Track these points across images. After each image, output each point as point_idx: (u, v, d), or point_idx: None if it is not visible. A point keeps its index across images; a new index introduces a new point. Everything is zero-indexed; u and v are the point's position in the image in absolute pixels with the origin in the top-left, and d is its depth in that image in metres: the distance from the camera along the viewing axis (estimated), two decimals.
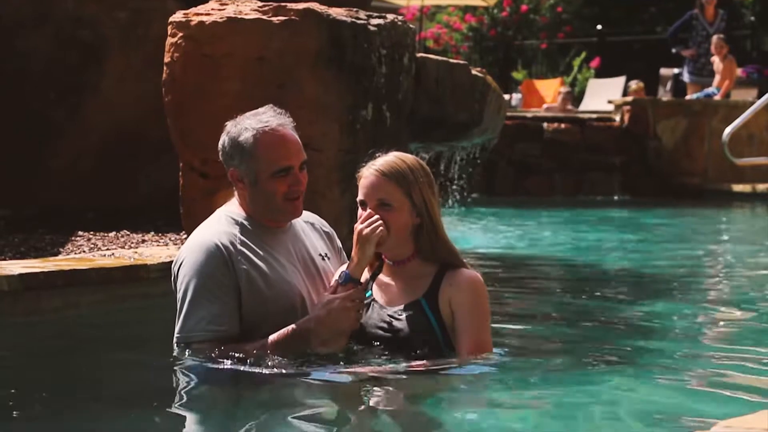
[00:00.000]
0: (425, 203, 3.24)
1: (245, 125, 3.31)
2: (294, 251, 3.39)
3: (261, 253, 3.31)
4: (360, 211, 3.26)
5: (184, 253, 3.33)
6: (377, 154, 3.29)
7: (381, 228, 3.18)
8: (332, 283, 3.29)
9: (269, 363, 3.20)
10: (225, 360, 3.20)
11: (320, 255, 3.46)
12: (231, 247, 3.27)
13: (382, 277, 3.32)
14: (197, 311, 3.23)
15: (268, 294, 3.28)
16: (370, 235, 3.17)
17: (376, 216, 3.20)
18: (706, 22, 14.65)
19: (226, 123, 3.38)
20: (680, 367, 3.54)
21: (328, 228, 3.59)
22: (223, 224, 3.35)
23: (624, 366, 3.54)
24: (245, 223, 3.35)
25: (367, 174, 3.26)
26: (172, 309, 4.42)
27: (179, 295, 3.29)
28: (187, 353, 3.29)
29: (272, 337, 3.22)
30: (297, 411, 2.98)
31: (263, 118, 3.32)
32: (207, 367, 3.25)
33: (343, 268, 3.28)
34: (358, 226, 3.21)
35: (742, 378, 3.41)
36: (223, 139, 3.36)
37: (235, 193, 3.43)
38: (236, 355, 3.21)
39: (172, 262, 4.49)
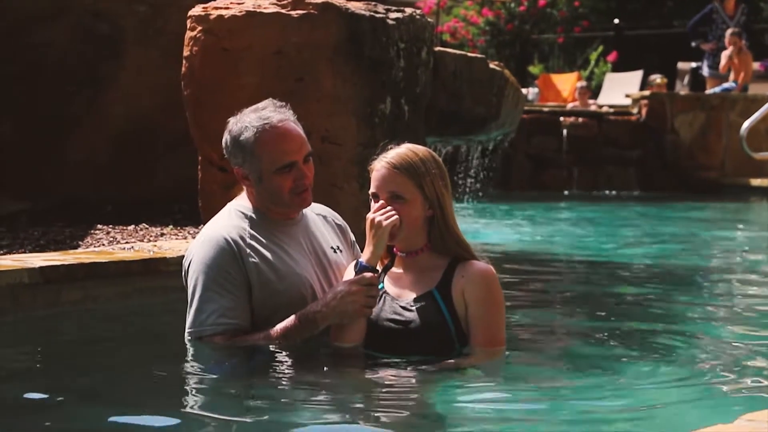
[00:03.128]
0: (437, 195, 3.22)
1: (245, 123, 3.28)
2: (305, 244, 3.39)
3: (271, 246, 3.31)
4: (372, 203, 3.26)
5: (194, 249, 3.34)
6: (389, 147, 3.27)
7: (395, 217, 3.17)
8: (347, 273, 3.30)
9: (280, 353, 3.22)
10: (236, 352, 3.21)
11: (332, 248, 3.45)
12: (240, 241, 3.27)
13: (394, 270, 3.31)
14: (208, 305, 3.24)
15: (279, 287, 3.29)
16: (383, 224, 3.16)
17: (389, 207, 3.19)
18: (726, 15, 14.59)
19: (229, 119, 3.35)
20: (700, 361, 3.53)
21: (340, 221, 3.58)
22: (233, 218, 3.35)
23: (640, 359, 3.53)
24: (254, 216, 3.35)
25: (379, 167, 3.24)
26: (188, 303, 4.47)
27: (189, 290, 3.30)
28: (198, 347, 3.30)
29: (281, 324, 3.23)
30: (308, 404, 2.98)
31: (263, 114, 3.28)
32: (219, 360, 3.26)
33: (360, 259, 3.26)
34: (370, 216, 3.20)
35: (764, 372, 3.39)
36: (226, 138, 3.34)
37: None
38: (247, 345, 3.22)
39: None
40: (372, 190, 3.25)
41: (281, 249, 3.33)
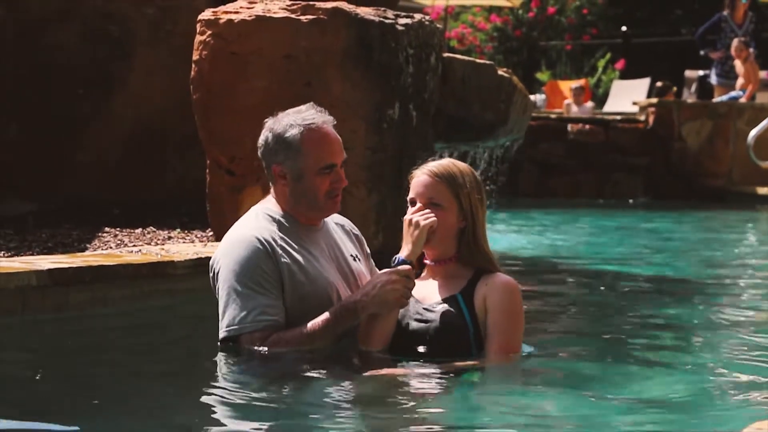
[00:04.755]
0: (472, 208, 3.33)
1: (290, 122, 3.34)
2: (328, 250, 3.44)
3: (301, 249, 3.35)
4: (409, 208, 3.36)
5: (224, 250, 3.35)
6: (430, 159, 3.40)
7: (433, 218, 3.27)
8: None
9: (300, 359, 3.24)
10: (277, 349, 3.23)
11: (351, 256, 3.51)
12: (272, 242, 3.30)
13: (421, 278, 3.40)
14: (246, 302, 3.26)
15: (309, 289, 3.32)
16: (421, 223, 3.27)
17: (428, 210, 3.30)
18: (735, 24, 14.57)
19: (266, 120, 3.41)
20: (708, 369, 3.53)
21: (357, 231, 3.63)
22: (260, 221, 3.38)
23: (645, 368, 3.53)
24: (282, 220, 3.38)
25: (419, 174, 3.36)
26: (198, 305, 4.46)
27: (224, 290, 3.30)
28: (227, 349, 3.33)
29: (320, 317, 3.26)
30: (340, 405, 3.02)
31: (307, 116, 3.35)
32: (234, 363, 3.29)
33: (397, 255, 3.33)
34: (408, 217, 3.31)
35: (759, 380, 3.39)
36: (266, 135, 3.38)
37: (272, 190, 3.45)
38: (289, 340, 3.24)
39: (198, 259, 4.57)
40: (411, 195, 3.37)
41: (309, 253, 3.37)
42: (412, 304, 3.34)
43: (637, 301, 5.46)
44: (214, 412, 2.97)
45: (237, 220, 5.21)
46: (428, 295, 3.37)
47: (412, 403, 3.02)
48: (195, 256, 4.60)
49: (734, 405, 3.04)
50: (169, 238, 5.57)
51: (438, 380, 3.16)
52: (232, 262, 3.30)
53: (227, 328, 3.30)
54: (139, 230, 5.74)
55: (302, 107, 3.40)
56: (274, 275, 3.28)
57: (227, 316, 3.30)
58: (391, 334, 3.31)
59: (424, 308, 3.33)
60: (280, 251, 3.31)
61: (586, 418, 2.91)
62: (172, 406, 3.04)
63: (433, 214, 3.29)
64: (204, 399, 3.08)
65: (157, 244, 5.31)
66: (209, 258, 4.60)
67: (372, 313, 3.27)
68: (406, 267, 3.25)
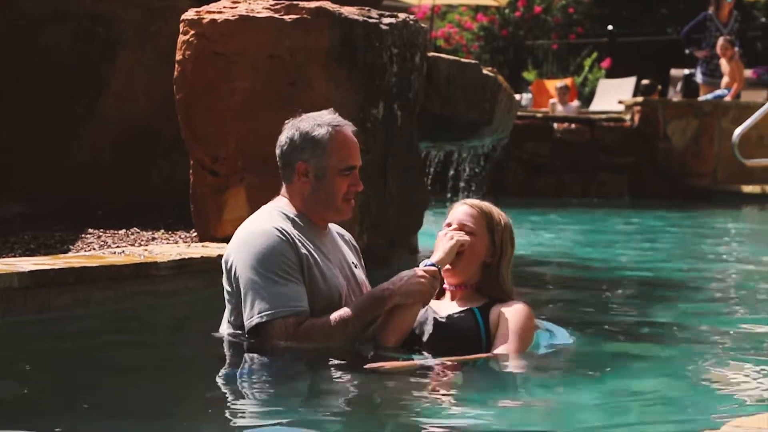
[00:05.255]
0: (502, 247, 3.51)
1: (316, 121, 3.42)
2: (334, 253, 3.50)
3: (314, 247, 3.39)
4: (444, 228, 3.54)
5: (241, 243, 3.36)
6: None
7: (466, 237, 3.45)
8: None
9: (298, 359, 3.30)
10: (310, 335, 3.26)
11: (352, 263, 3.58)
12: (292, 234, 3.35)
13: (440, 299, 3.55)
14: (276, 289, 3.27)
15: (322, 286, 3.37)
16: (455, 237, 3.44)
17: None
18: (720, 23, 14.61)
19: (287, 121, 3.48)
20: (687, 368, 3.53)
21: (355, 243, 3.69)
22: (275, 217, 3.41)
23: (630, 366, 3.54)
24: (296, 219, 3.43)
25: (459, 204, 3.58)
26: (181, 306, 4.46)
27: (247, 280, 3.30)
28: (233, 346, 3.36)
29: (350, 305, 3.34)
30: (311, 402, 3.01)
31: (332, 118, 3.44)
32: (236, 358, 3.35)
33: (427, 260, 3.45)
34: (442, 233, 3.49)
35: (751, 378, 3.39)
36: (292, 133, 3.44)
37: (284, 189, 3.49)
38: (323, 326, 3.28)
39: (182, 260, 4.56)
40: (447, 221, 3.54)
41: (321, 253, 3.42)
42: (430, 312, 3.46)
43: (621, 299, 5.47)
44: (204, 412, 2.96)
45: (220, 220, 5.25)
46: (445, 308, 3.51)
47: (410, 396, 3.06)
48: (178, 257, 4.58)
49: (715, 401, 3.05)
50: (153, 239, 5.54)
51: (443, 372, 3.26)
52: (253, 253, 3.31)
53: (261, 314, 3.28)
54: (122, 231, 5.72)
55: (322, 111, 3.49)
56: (297, 265, 3.32)
57: (257, 304, 3.29)
58: (407, 331, 3.40)
59: (441, 316, 3.45)
60: (299, 243, 3.35)
61: (558, 414, 2.91)
62: (159, 406, 3.01)
63: (467, 236, 3.46)
64: (192, 399, 3.06)
65: (140, 245, 5.29)
66: (192, 259, 4.64)
67: (392, 308, 3.34)
68: (433, 268, 3.38)
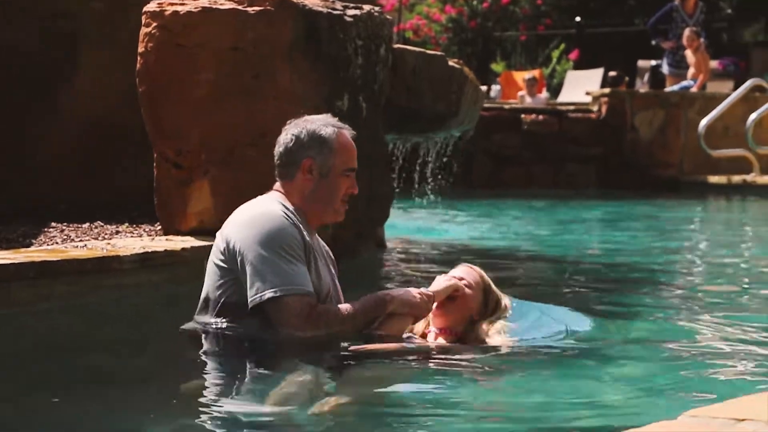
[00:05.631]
0: (492, 311, 3.66)
1: (320, 123, 3.48)
2: (321, 253, 3.54)
3: (310, 243, 3.41)
4: None
5: (245, 223, 3.35)
6: None
7: (462, 286, 3.60)
8: None
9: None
10: (321, 321, 3.29)
11: (332, 267, 3.61)
12: (297, 222, 3.38)
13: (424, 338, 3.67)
14: (288, 267, 3.27)
15: (316, 282, 3.39)
16: (452, 280, 3.62)
17: None
18: (686, 14, 14.70)
19: (291, 120, 3.53)
20: (646, 358, 3.55)
21: (332, 255, 3.69)
22: (278, 204, 3.42)
23: (587, 356, 3.54)
24: (295, 213, 3.44)
25: (462, 264, 3.75)
26: (145, 300, 4.43)
27: (256, 257, 3.27)
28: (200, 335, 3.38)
29: (357, 302, 3.41)
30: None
31: (335, 121, 3.52)
32: (207, 349, 3.36)
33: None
34: (442, 276, 3.67)
35: (714, 369, 3.42)
36: (298, 131, 3.47)
37: (279, 186, 3.49)
38: (335, 313, 3.34)
39: (145, 253, 4.53)
40: (449, 275, 3.68)
41: (314, 250, 3.43)
42: (414, 341, 3.56)
43: (587, 290, 5.49)
44: (175, 407, 2.93)
45: (185, 213, 5.22)
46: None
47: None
48: (142, 251, 4.55)
49: (669, 395, 3.07)
50: (117, 232, 5.50)
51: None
52: (263, 232, 3.30)
53: (275, 288, 3.25)
54: (86, 225, 5.67)
55: (325, 115, 3.57)
56: (303, 250, 3.34)
57: (269, 279, 3.26)
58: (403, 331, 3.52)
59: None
60: (304, 232, 3.39)
61: (520, 407, 2.92)
62: (126, 402, 2.98)
63: (465, 288, 3.62)
64: (161, 394, 3.03)
65: (104, 238, 5.24)
66: (156, 252, 4.61)
67: (386, 316, 3.43)
68: (429, 292, 3.52)
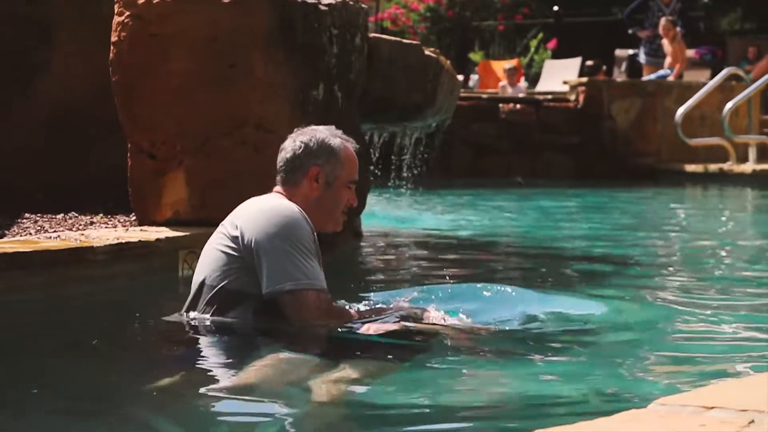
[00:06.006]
0: None
1: (326, 133, 3.53)
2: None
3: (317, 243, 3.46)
4: None
5: (266, 213, 3.35)
6: None
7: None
8: None
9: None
10: (334, 321, 3.33)
11: None
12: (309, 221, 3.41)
13: None
14: (309, 262, 3.29)
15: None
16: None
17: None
18: (662, 3, 14.74)
19: (302, 130, 3.55)
20: (617, 347, 3.56)
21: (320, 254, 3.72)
22: (291, 202, 3.44)
23: (558, 344, 3.54)
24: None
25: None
26: (119, 292, 4.40)
27: (277, 248, 3.27)
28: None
29: (355, 309, 3.50)
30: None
31: (341, 133, 3.57)
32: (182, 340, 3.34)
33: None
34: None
35: (685, 356, 3.43)
36: (308, 139, 3.51)
37: (282, 190, 3.49)
38: (350, 316, 3.39)
39: (119, 244, 4.50)
40: None
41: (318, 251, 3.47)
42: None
43: (565, 279, 5.49)
44: (154, 400, 2.89)
45: (159, 204, 5.19)
46: None
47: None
48: (115, 242, 4.52)
49: (640, 384, 3.07)
50: (92, 223, 5.47)
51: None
52: (282, 225, 3.31)
53: (297, 281, 3.27)
54: (60, 216, 5.63)
55: (328, 126, 3.61)
56: (316, 249, 3.37)
57: (290, 271, 3.27)
58: None
59: None
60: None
61: (492, 398, 2.92)
62: (101, 395, 2.95)
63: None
64: (138, 386, 2.99)
65: (78, 229, 5.21)
66: (130, 243, 4.58)
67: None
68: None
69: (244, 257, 3.34)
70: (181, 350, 3.35)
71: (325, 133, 3.54)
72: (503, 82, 16.37)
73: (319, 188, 3.48)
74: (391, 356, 3.18)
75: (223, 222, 3.49)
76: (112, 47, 5.19)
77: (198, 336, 3.37)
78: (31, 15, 6.83)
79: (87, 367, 3.28)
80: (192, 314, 3.44)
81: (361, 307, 3.61)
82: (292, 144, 3.52)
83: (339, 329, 3.34)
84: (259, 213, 3.38)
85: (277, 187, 3.52)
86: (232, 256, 3.37)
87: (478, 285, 4.24)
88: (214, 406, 2.80)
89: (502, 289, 4.11)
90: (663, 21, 14.27)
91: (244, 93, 5.14)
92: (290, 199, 3.46)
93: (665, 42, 14.45)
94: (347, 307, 3.52)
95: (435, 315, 3.50)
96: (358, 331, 3.31)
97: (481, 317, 3.66)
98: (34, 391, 2.94)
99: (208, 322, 3.39)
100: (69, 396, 2.93)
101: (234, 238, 3.37)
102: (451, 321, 3.51)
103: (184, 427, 2.67)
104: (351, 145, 3.57)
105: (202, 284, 3.43)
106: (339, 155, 3.50)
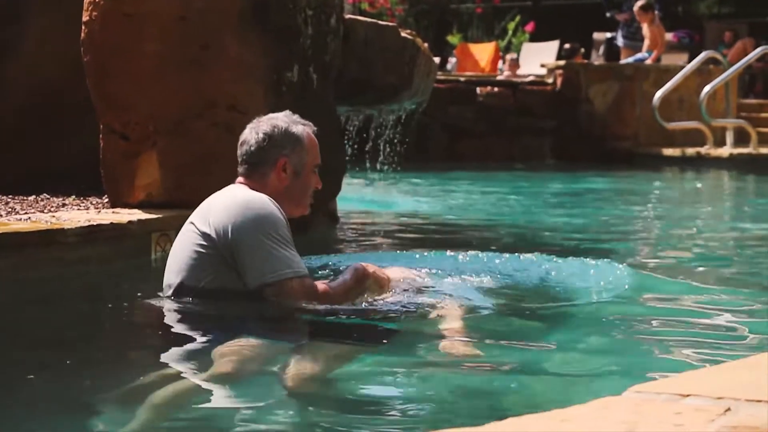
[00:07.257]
0: None
1: (287, 121, 3.49)
2: None
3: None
4: None
5: (241, 205, 3.32)
6: None
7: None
8: None
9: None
10: (324, 300, 3.33)
11: None
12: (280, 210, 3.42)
13: None
14: (289, 252, 3.31)
15: None
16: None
17: None
18: None
19: (259, 119, 3.51)
20: (593, 335, 3.54)
21: None
22: (260, 194, 3.42)
23: (534, 330, 3.53)
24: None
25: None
26: (91, 274, 4.34)
27: (258, 241, 3.27)
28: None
29: (342, 280, 3.46)
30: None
31: (299, 118, 3.53)
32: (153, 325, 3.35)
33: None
34: None
35: (660, 343, 3.42)
36: (270, 129, 3.46)
37: (245, 181, 3.45)
38: (336, 291, 3.39)
39: (90, 226, 4.45)
40: None
41: None
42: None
43: (534, 264, 5.46)
44: (129, 387, 2.84)
45: (132, 186, 5.13)
46: None
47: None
48: (87, 224, 4.46)
49: (614, 371, 3.06)
50: (64, 205, 5.40)
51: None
52: (258, 218, 3.30)
53: (280, 272, 3.26)
54: (32, 198, 5.56)
55: (285, 112, 3.55)
56: (291, 238, 3.38)
57: (273, 263, 3.27)
58: None
59: None
60: None
61: (468, 386, 2.90)
62: (74, 383, 2.90)
63: None
64: (109, 376, 2.95)
65: (50, 211, 5.14)
66: (102, 225, 4.52)
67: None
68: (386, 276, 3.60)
69: (220, 254, 3.30)
70: (155, 339, 3.31)
71: (286, 121, 3.49)
72: (507, 73, 16.20)
73: (288, 178, 3.46)
74: (367, 339, 3.16)
75: (189, 220, 3.42)
76: (83, 27, 5.12)
77: (172, 324, 3.33)
78: None
79: (56, 353, 3.22)
80: (168, 304, 3.39)
81: (341, 277, 3.54)
82: (254, 136, 3.46)
83: (329, 312, 3.33)
84: (231, 207, 3.33)
85: (241, 179, 3.47)
86: (206, 255, 3.32)
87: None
88: (189, 396, 2.75)
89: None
90: (636, 7, 14.27)
91: (216, 74, 5.09)
92: (260, 188, 3.43)
93: (644, 25, 14.45)
94: (328, 281, 3.48)
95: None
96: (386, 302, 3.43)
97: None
98: None
99: (184, 312, 3.35)
100: (34, 389, 2.87)
101: (206, 236, 3.32)
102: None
103: (158, 418, 2.62)
104: (310, 128, 3.54)
105: (180, 286, 3.38)
106: (303, 142, 3.48)
